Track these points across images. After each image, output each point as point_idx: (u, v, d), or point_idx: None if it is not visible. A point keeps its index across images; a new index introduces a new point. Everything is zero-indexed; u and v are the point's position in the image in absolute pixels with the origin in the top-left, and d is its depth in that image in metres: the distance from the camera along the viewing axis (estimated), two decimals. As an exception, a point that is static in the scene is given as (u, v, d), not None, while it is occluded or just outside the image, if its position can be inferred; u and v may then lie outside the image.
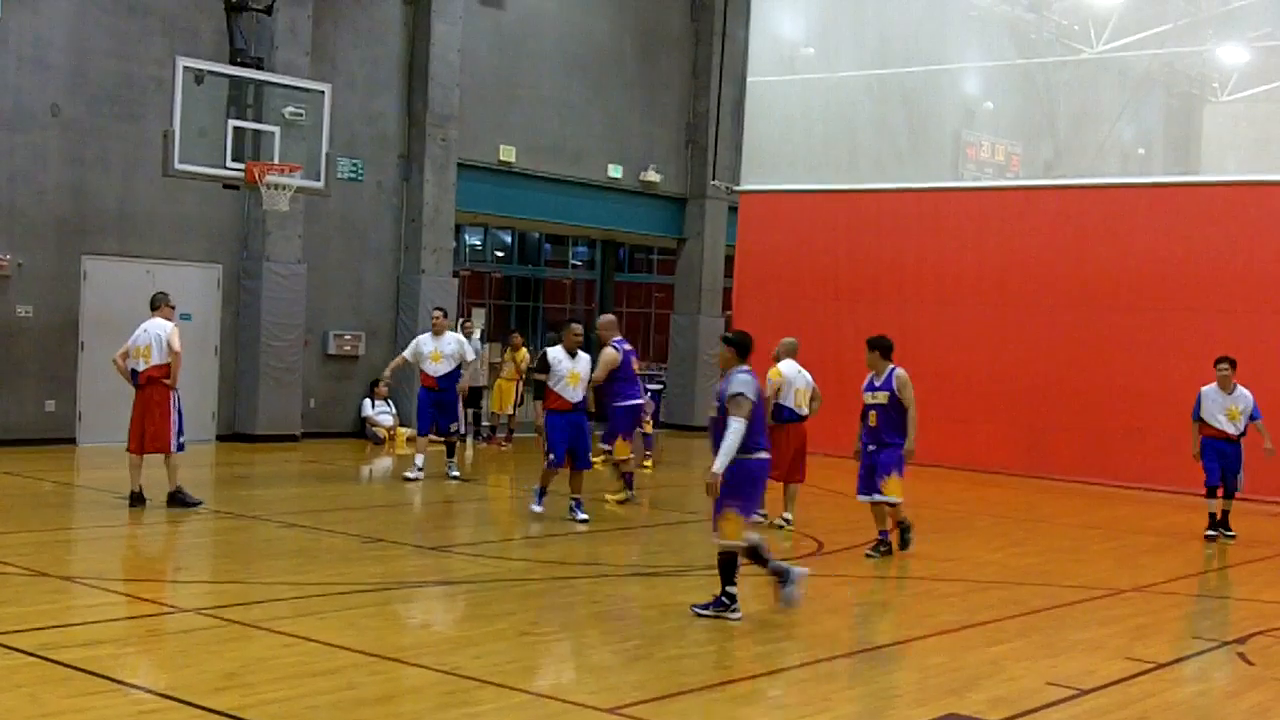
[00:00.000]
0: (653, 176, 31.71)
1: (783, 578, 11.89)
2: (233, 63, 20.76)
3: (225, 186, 21.20)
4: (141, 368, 16.28)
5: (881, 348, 15.39)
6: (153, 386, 16.26)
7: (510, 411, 26.28)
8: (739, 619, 11.57)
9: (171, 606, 11.36)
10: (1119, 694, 9.78)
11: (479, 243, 33.46)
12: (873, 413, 15.21)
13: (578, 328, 17.22)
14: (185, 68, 19.36)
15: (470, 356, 20.68)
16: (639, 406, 19.52)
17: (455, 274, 28.25)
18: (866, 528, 17.52)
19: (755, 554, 11.96)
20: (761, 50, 29.86)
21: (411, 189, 26.87)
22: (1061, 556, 16.40)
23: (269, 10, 22.43)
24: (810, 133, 29.58)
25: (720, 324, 31.73)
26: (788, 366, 17.72)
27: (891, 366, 15.49)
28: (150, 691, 8.70)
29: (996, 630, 11.77)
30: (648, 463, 24.03)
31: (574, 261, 36.64)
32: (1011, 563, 15.74)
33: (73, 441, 22.14)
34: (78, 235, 22.35)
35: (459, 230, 29.30)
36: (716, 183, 31.32)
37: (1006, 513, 20.43)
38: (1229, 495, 18.55)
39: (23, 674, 8.99)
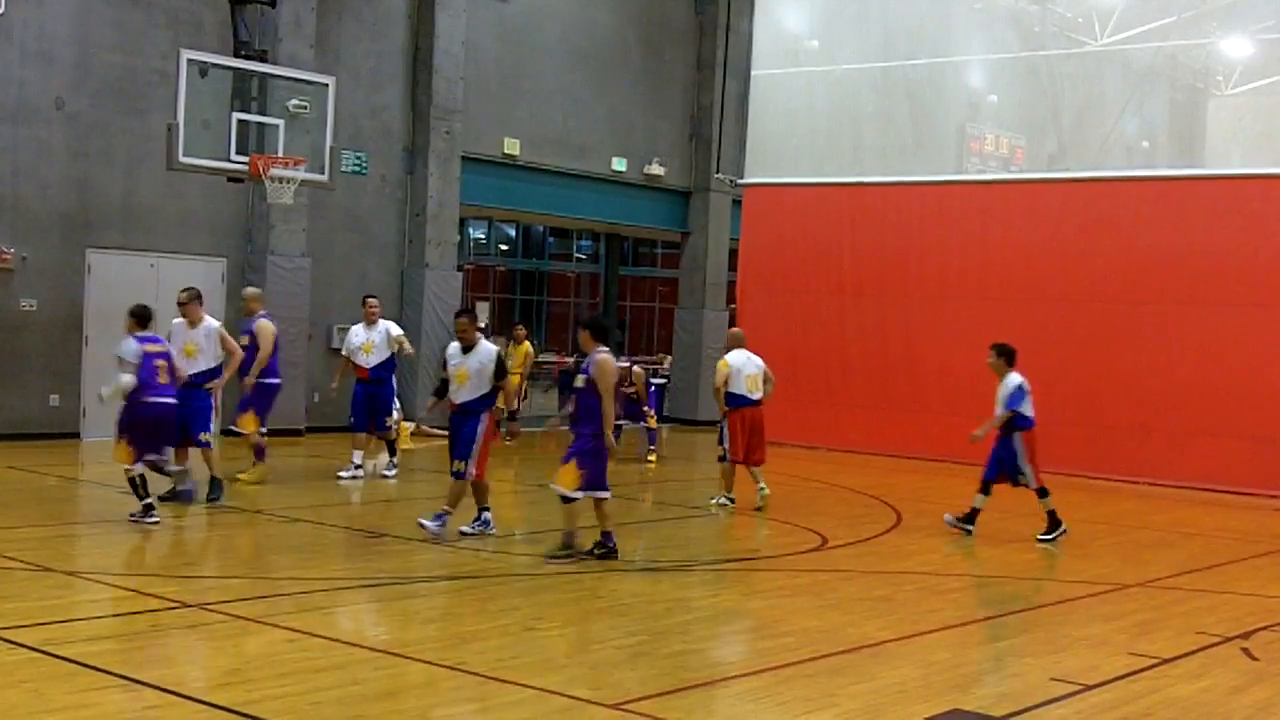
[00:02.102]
0: (657, 170, 31.69)
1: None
2: (237, 55, 20.73)
3: (229, 180, 21.17)
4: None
5: (594, 328, 14.30)
6: None
7: (514, 406, 26.22)
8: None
9: (175, 601, 11.35)
10: (1122, 690, 9.78)
11: (483, 236, 33.48)
12: (573, 396, 14.87)
13: (460, 320, 15.41)
14: (189, 61, 19.32)
15: (408, 346, 20.20)
16: (277, 386, 18.90)
17: (459, 268, 28.24)
18: (871, 523, 17.57)
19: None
20: (766, 43, 29.85)
21: (415, 182, 26.86)
22: (1065, 552, 16.39)
23: (273, 3, 22.40)
24: (814, 126, 29.56)
25: (724, 318, 31.73)
26: (735, 356, 18.50)
27: (594, 351, 14.05)
28: (154, 687, 8.69)
29: (1000, 626, 11.79)
30: (651, 457, 24.03)
31: (578, 255, 36.67)
32: (1015, 558, 15.74)
33: (76, 436, 22.15)
34: (82, 229, 22.35)
35: (463, 224, 29.29)
36: (720, 176, 31.32)
37: (1010, 508, 20.39)
38: None
39: (26, 669, 9.00)
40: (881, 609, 12.39)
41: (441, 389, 15.30)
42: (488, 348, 14.96)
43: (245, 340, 17.98)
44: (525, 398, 26.43)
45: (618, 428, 24.04)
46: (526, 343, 26.42)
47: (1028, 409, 16.98)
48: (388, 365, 19.70)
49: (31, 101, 21.78)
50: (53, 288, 22.06)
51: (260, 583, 12.46)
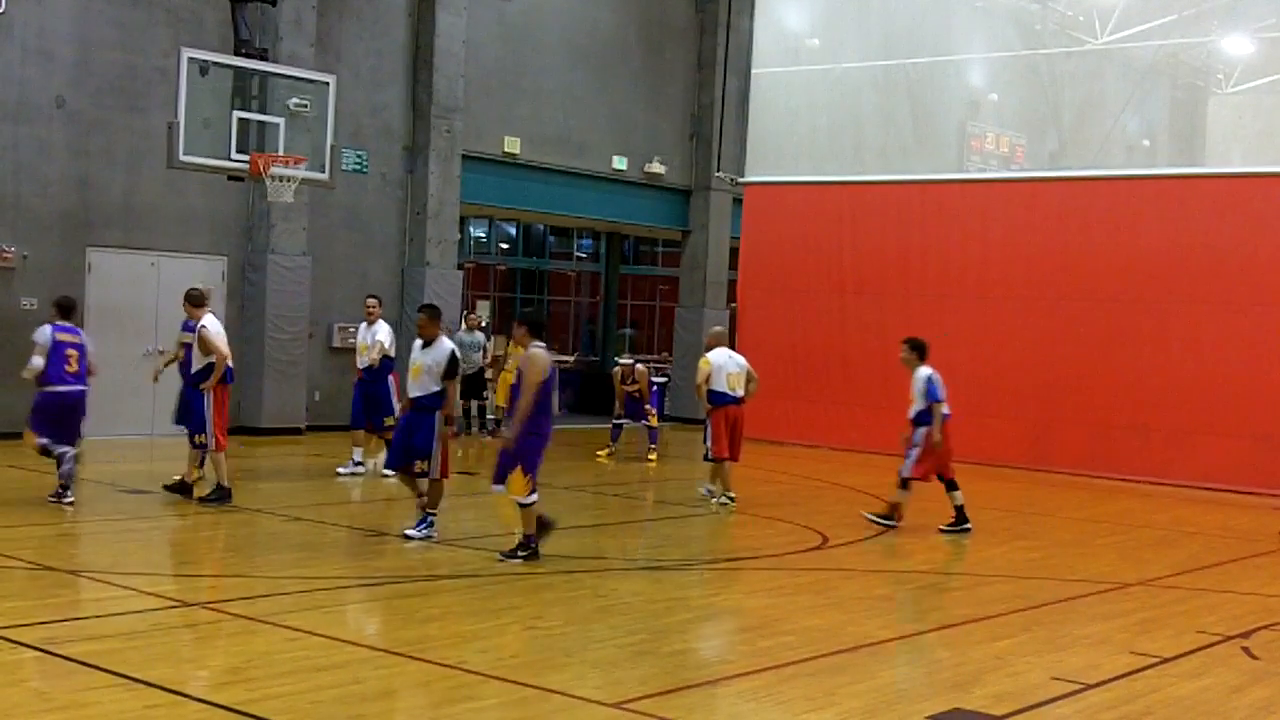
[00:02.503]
0: (657, 168, 31.69)
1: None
2: (237, 54, 20.70)
3: (230, 178, 21.15)
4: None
5: (531, 324, 14.29)
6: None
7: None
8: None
9: (176, 601, 11.36)
10: (1123, 689, 9.79)
11: (484, 235, 33.46)
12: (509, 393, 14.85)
13: (420, 316, 15.34)
14: (190, 59, 19.30)
15: (389, 347, 20.00)
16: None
17: (460, 266, 28.24)
18: (871, 523, 17.54)
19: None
20: (766, 42, 29.87)
21: (416, 181, 26.86)
22: (1066, 551, 16.40)
23: (273, 1, 22.39)
24: (815, 124, 29.57)
25: (725, 316, 31.73)
26: (716, 355, 18.75)
27: (530, 346, 13.95)
28: (155, 686, 8.68)
29: (1001, 625, 11.77)
30: (652, 456, 24.03)
31: (579, 254, 36.65)
32: (1016, 557, 15.75)
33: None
34: (82, 227, 22.35)
35: (463, 222, 29.29)
36: (721, 174, 31.32)
37: (1011, 506, 20.41)
38: None
39: (28, 668, 9.02)
40: (882, 608, 12.40)
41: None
42: (444, 346, 14.84)
43: (190, 339, 17.14)
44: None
45: (619, 426, 24.17)
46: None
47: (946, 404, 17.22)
48: (384, 365, 19.69)
49: (32, 100, 21.78)
50: (53, 286, 21.98)
51: (261, 581, 12.45)
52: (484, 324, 28.20)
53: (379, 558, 13.95)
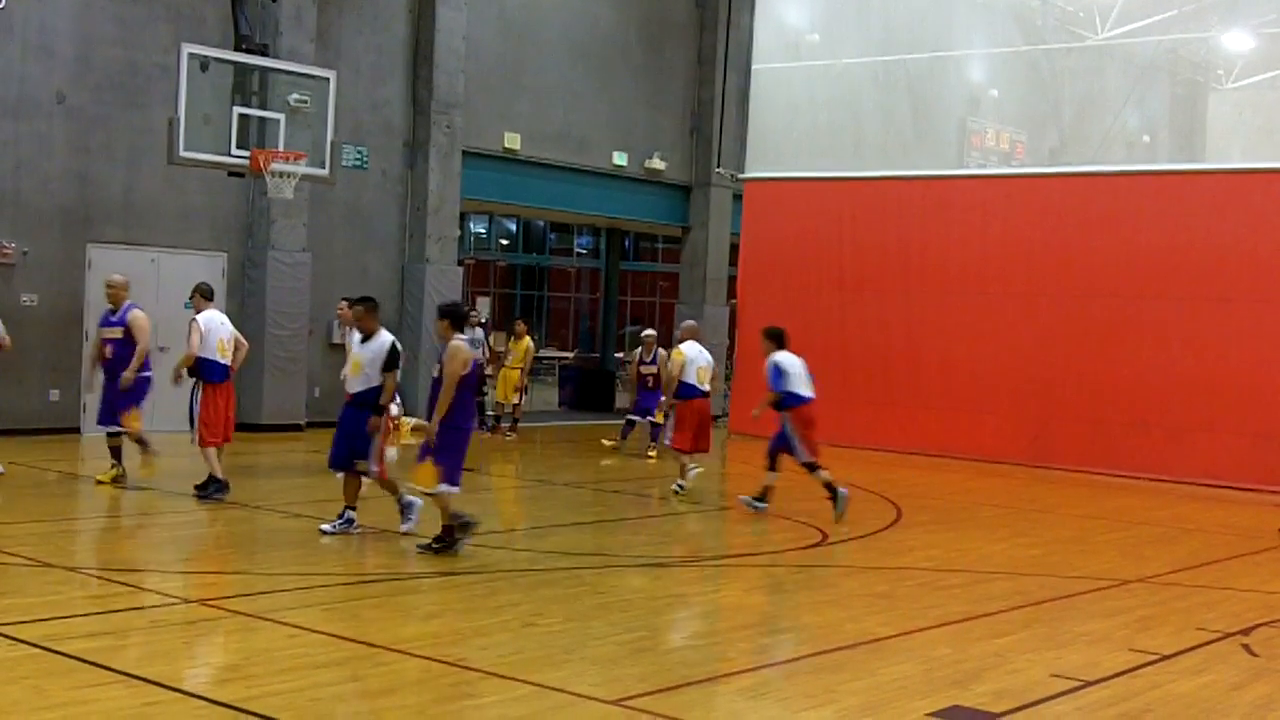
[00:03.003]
0: (657, 164, 31.69)
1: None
2: (238, 49, 20.72)
3: (230, 174, 21.17)
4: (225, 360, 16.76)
5: (452, 316, 13.90)
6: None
7: (515, 400, 26.22)
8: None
9: (175, 597, 11.36)
10: (1123, 686, 9.78)
11: (484, 231, 33.49)
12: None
13: (357, 308, 14.89)
14: (190, 55, 19.31)
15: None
16: (150, 379, 17.42)
17: (460, 263, 28.24)
18: (871, 518, 17.56)
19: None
20: (766, 37, 29.86)
21: (416, 177, 26.86)
22: (1066, 547, 16.40)
23: (274, -3, 22.45)
24: (815, 120, 29.56)
25: (725, 313, 31.74)
26: (689, 347, 19.45)
27: (451, 338, 13.74)
28: (154, 683, 8.68)
29: (1000, 622, 11.77)
30: (653, 453, 24.00)
31: (579, 249, 36.68)
32: (1015, 554, 15.74)
33: (77, 431, 22.14)
34: (83, 224, 22.35)
35: (464, 218, 29.29)
36: (721, 170, 31.33)
37: (1010, 503, 20.41)
38: None
39: (26, 665, 9.00)
40: (882, 605, 12.39)
41: None
42: (384, 338, 14.48)
43: (118, 333, 17.06)
44: (526, 393, 26.39)
45: (630, 423, 24.10)
46: (527, 337, 26.35)
47: (796, 387, 17.57)
48: None
49: (32, 96, 21.78)
50: (53, 283, 22.06)
51: (261, 578, 12.45)
52: (483, 320, 28.19)
53: (379, 555, 13.96)
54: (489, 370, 26.66)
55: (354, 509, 14.60)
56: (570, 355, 36.80)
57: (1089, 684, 9.75)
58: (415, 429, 24.83)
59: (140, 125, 22.59)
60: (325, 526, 14.53)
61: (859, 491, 20.33)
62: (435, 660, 9.58)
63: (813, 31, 30.87)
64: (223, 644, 9.99)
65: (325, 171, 20.94)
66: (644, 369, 24.38)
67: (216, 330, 16.66)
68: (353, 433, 14.37)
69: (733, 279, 31.41)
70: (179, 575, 12.77)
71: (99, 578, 12.21)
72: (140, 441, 17.12)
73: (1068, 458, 24.29)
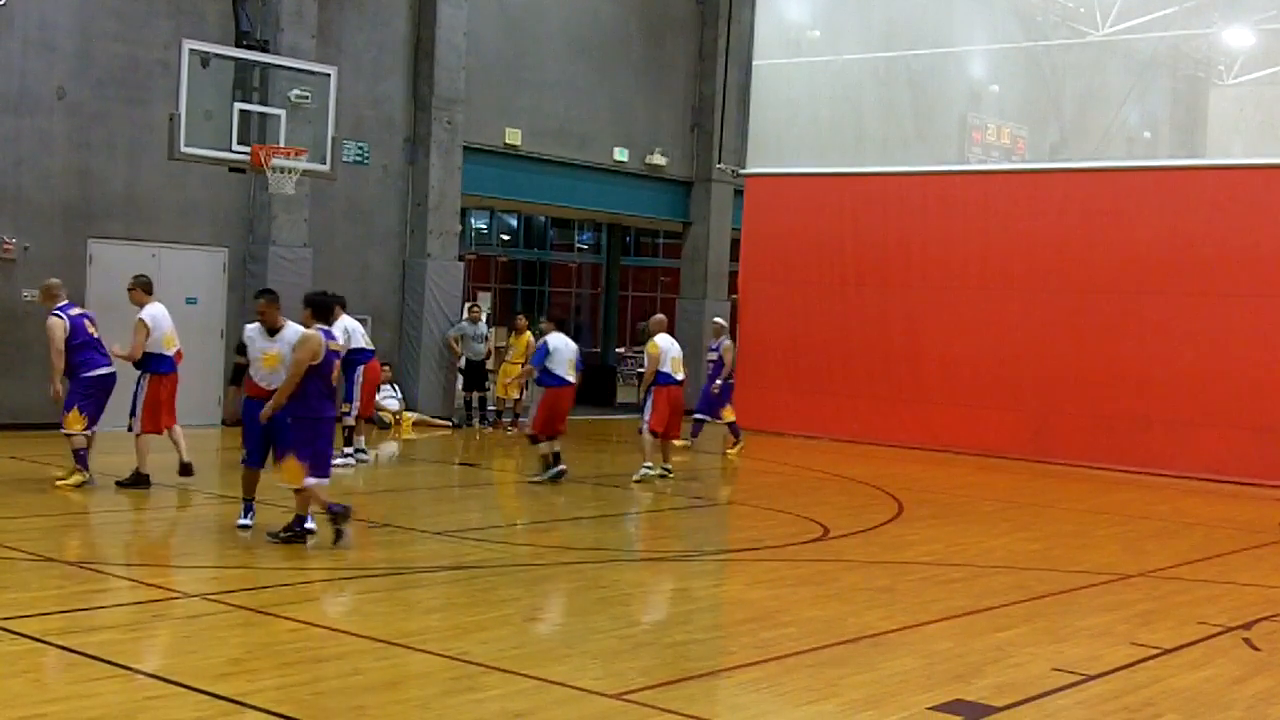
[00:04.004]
0: (658, 160, 31.68)
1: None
2: (238, 45, 20.73)
3: (231, 170, 21.17)
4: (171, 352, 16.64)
5: (314, 305, 14.06)
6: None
7: (516, 396, 26.22)
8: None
9: (176, 592, 11.36)
10: (1124, 680, 9.78)
11: (485, 226, 33.47)
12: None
13: (259, 302, 14.36)
14: (191, 51, 19.33)
15: (358, 342, 19.65)
16: (108, 377, 16.86)
17: (461, 258, 28.23)
18: (872, 512, 17.57)
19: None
20: (767, 33, 29.85)
21: (417, 172, 26.86)
22: (1067, 542, 16.40)
23: (274, -7, 22.44)
24: (816, 116, 29.55)
25: (726, 308, 31.73)
26: (663, 340, 20.28)
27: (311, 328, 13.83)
28: (155, 677, 8.70)
29: (1002, 616, 11.77)
30: (732, 450, 23.78)
31: (580, 245, 36.66)
32: (1017, 548, 15.73)
33: (78, 426, 22.08)
34: (84, 219, 22.35)
35: (464, 214, 29.28)
36: (722, 166, 31.32)
37: (1012, 498, 20.41)
38: None
39: (27, 660, 9.01)
40: (883, 599, 12.39)
41: (238, 375, 14.98)
42: (296, 329, 14.04)
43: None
44: (527, 388, 26.37)
45: (700, 423, 23.92)
46: (527, 333, 26.33)
47: (557, 368, 18.93)
48: (357, 357, 19.50)
49: (33, 91, 21.77)
50: (54, 278, 22.01)
51: (262, 573, 12.45)
52: (485, 315, 28.20)
53: (380, 549, 13.95)
54: (489, 365, 26.71)
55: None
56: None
57: (1090, 678, 9.75)
58: (417, 424, 24.96)
59: (141, 121, 22.59)
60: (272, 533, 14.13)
61: (861, 486, 20.35)
62: (437, 654, 9.57)
63: (813, 27, 30.86)
64: (224, 638, 9.96)
65: (326, 167, 20.96)
66: (709, 356, 24.42)
67: (164, 324, 16.57)
68: (275, 427, 13.85)
69: (734, 274, 31.41)
70: (179, 569, 12.77)
71: (99, 573, 12.21)
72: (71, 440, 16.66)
73: (1068, 452, 24.28)
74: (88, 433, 16.53)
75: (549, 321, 19.93)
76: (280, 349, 13.86)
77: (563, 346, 19.00)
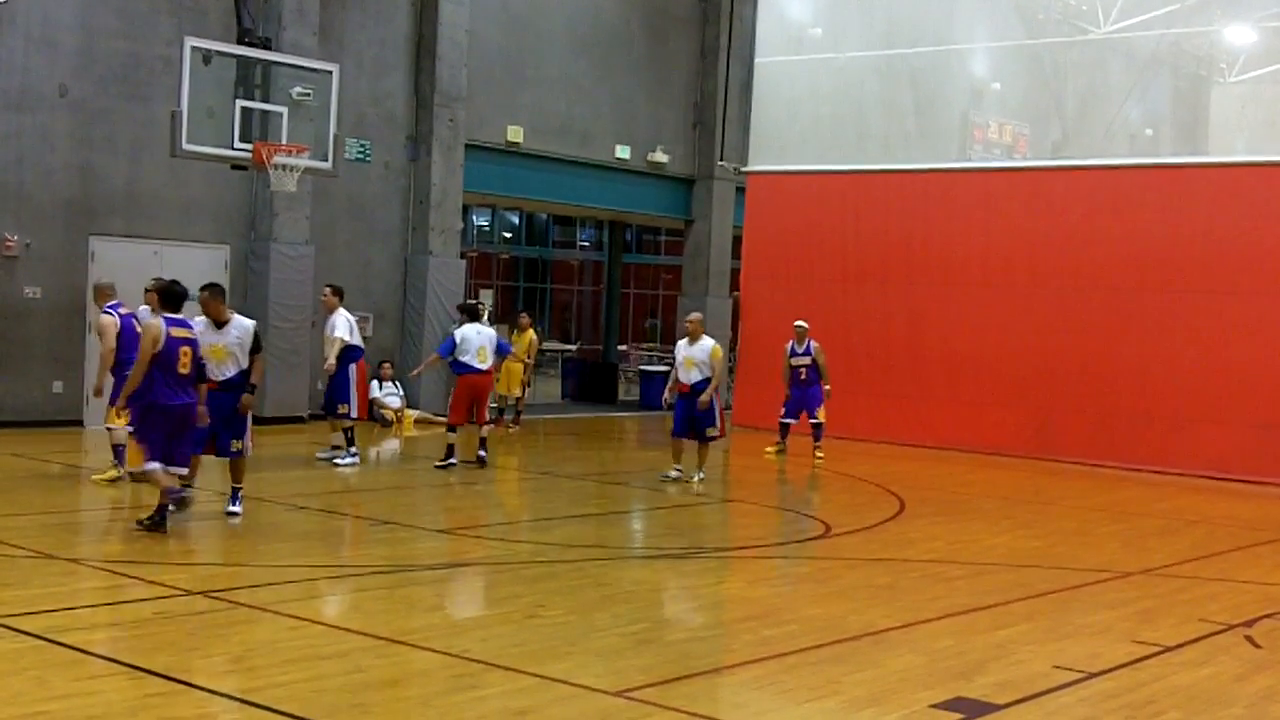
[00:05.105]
0: (660, 157, 31.68)
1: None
2: (240, 43, 20.72)
3: (233, 167, 21.17)
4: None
5: (162, 294, 14.07)
6: None
7: (518, 393, 26.19)
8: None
9: (179, 589, 11.36)
10: (1126, 678, 9.78)
11: (487, 224, 33.46)
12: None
13: (202, 294, 14.64)
14: (193, 48, 19.33)
15: (349, 337, 19.59)
16: None
17: (462, 255, 28.24)
18: (874, 510, 17.57)
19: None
20: (769, 31, 29.83)
21: (419, 170, 26.87)
22: (1068, 539, 16.40)
23: (276, -10, 22.44)
24: (818, 113, 29.54)
25: (728, 305, 31.73)
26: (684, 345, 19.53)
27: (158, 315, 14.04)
28: (157, 674, 8.68)
29: (1003, 613, 11.77)
30: (820, 453, 23.57)
31: (581, 242, 36.65)
32: (1018, 545, 15.74)
33: (80, 423, 22.12)
34: (85, 216, 22.35)
35: (466, 211, 29.27)
36: (724, 163, 31.32)
37: (1013, 495, 20.42)
38: None
39: (29, 657, 9.00)
40: (885, 596, 12.39)
41: None
42: (242, 321, 14.51)
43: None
44: (530, 385, 26.39)
45: (785, 425, 23.53)
46: (530, 330, 26.32)
47: (465, 356, 19.56)
48: (349, 354, 19.52)
49: (35, 89, 21.77)
50: (56, 275, 22.06)
51: (264, 570, 12.46)
52: (488, 312, 28.19)
53: (382, 546, 13.95)
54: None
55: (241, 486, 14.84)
56: (574, 348, 36.78)
57: (1092, 675, 9.75)
58: (419, 421, 24.97)
59: (143, 118, 22.59)
60: (232, 508, 14.67)
61: (862, 483, 20.35)
62: (438, 652, 9.58)
63: (815, 25, 30.84)
64: (225, 636, 9.97)
65: (328, 164, 20.95)
66: (795, 361, 23.14)
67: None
68: (228, 417, 14.35)
69: (735, 271, 31.39)
70: (181, 567, 12.75)
71: (101, 570, 12.21)
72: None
73: (1070, 450, 24.27)
74: (129, 429, 16.54)
75: (461, 312, 21.04)
76: (226, 341, 14.29)
77: (473, 335, 19.61)
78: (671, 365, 19.93)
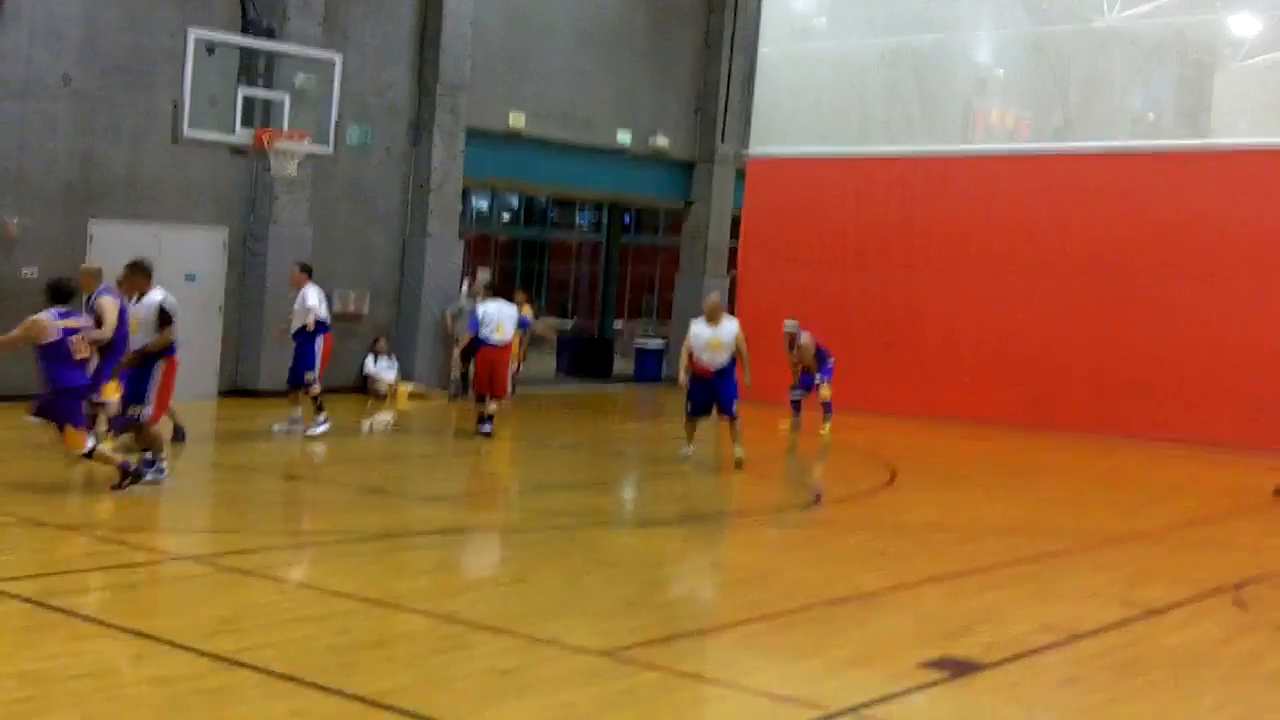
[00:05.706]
0: (661, 142, 31.67)
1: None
2: (245, 33, 20.73)
3: (234, 153, 21.19)
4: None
5: (51, 289, 14.81)
6: None
7: (513, 368, 26.17)
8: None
9: (168, 554, 11.39)
10: (1112, 638, 9.82)
11: (486, 206, 33.47)
12: None
13: (125, 270, 15.74)
14: (197, 38, 19.35)
15: (320, 307, 19.69)
16: None
17: (461, 237, 28.25)
18: (866, 479, 17.59)
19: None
20: (774, 20, 29.85)
21: (419, 155, 26.84)
22: (1061, 507, 16.49)
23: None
24: (821, 102, 29.50)
25: (725, 284, 31.72)
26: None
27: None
28: (145, 636, 8.71)
29: (993, 577, 11.81)
30: (824, 429, 23.56)
31: (580, 223, 36.66)
32: (1011, 512, 15.78)
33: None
34: (85, 200, 22.34)
35: (466, 194, 29.25)
36: (726, 147, 31.32)
37: (1008, 465, 20.48)
38: None
39: (19, 619, 9.03)
40: (875, 562, 12.41)
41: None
42: (152, 298, 15.07)
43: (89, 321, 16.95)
44: (525, 360, 26.50)
45: (796, 402, 23.34)
46: (527, 306, 26.34)
47: (485, 329, 19.90)
48: (302, 329, 19.55)
49: (39, 78, 21.72)
50: (54, 256, 21.99)
51: (254, 536, 12.49)
52: (487, 287, 28.21)
53: (372, 513, 13.94)
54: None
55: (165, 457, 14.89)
56: (569, 324, 36.86)
57: (1079, 636, 9.80)
58: (413, 394, 25.00)
59: (145, 107, 22.55)
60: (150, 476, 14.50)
61: (856, 453, 20.40)
62: (427, 614, 9.63)
63: (819, 14, 30.89)
64: (214, 598, 9.98)
65: (329, 150, 20.98)
66: (794, 358, 23.22)
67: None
68: (135, 379, 14.99)
69: (733, 251, 31.41)
70: (171, 533, 12.80)
71: (92, 536, 12.22)
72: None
73: (1067, 423, 24.27)
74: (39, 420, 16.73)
75: (486, 290, 22.58)
76: (139, 313, 15.09)
77: (494, 311, 20.19)
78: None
